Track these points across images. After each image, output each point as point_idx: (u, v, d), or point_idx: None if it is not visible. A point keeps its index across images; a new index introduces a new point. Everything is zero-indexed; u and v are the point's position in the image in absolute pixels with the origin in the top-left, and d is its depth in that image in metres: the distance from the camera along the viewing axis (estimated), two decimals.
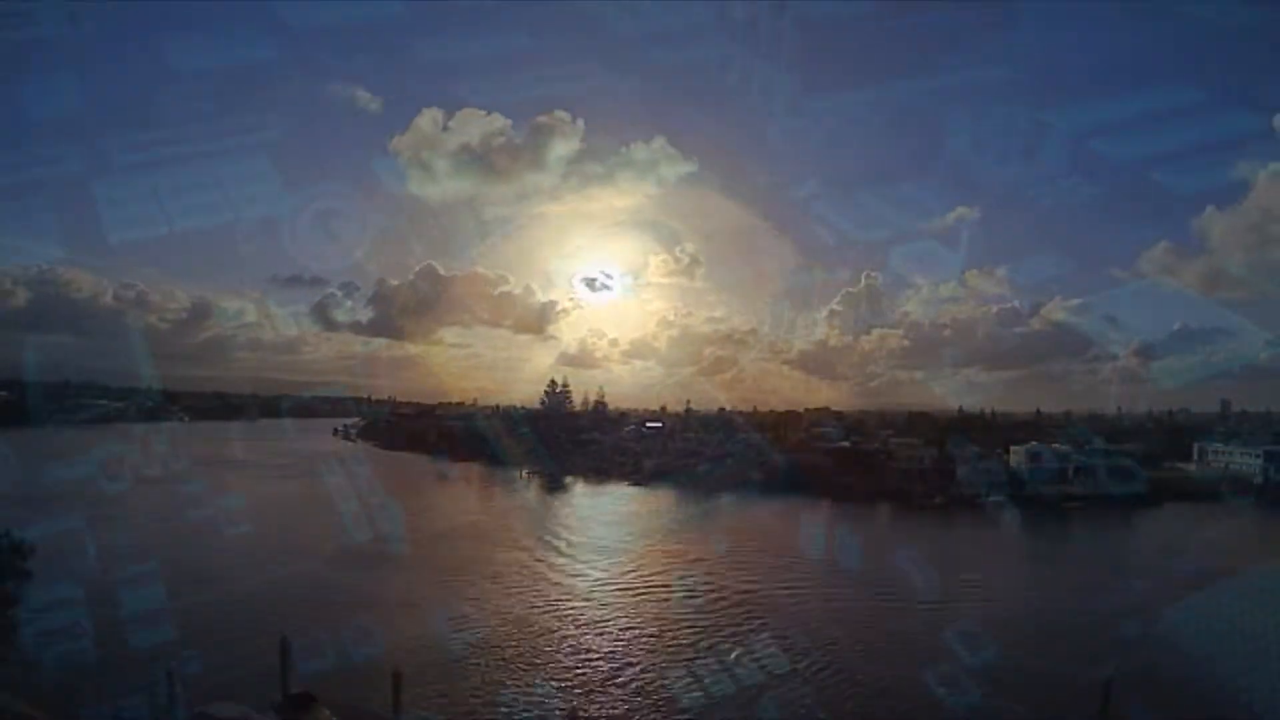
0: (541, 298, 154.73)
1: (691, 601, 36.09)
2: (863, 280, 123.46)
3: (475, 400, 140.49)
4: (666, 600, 36.85)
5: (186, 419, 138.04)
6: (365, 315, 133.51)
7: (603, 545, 51.23)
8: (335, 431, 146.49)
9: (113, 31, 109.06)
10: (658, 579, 40.83)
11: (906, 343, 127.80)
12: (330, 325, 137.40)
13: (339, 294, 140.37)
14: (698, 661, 27.45)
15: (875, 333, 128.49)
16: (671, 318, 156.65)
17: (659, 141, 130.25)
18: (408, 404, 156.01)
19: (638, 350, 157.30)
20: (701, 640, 30.28)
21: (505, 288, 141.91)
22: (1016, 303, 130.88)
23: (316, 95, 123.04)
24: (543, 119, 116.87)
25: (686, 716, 23.68)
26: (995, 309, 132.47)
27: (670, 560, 45.85)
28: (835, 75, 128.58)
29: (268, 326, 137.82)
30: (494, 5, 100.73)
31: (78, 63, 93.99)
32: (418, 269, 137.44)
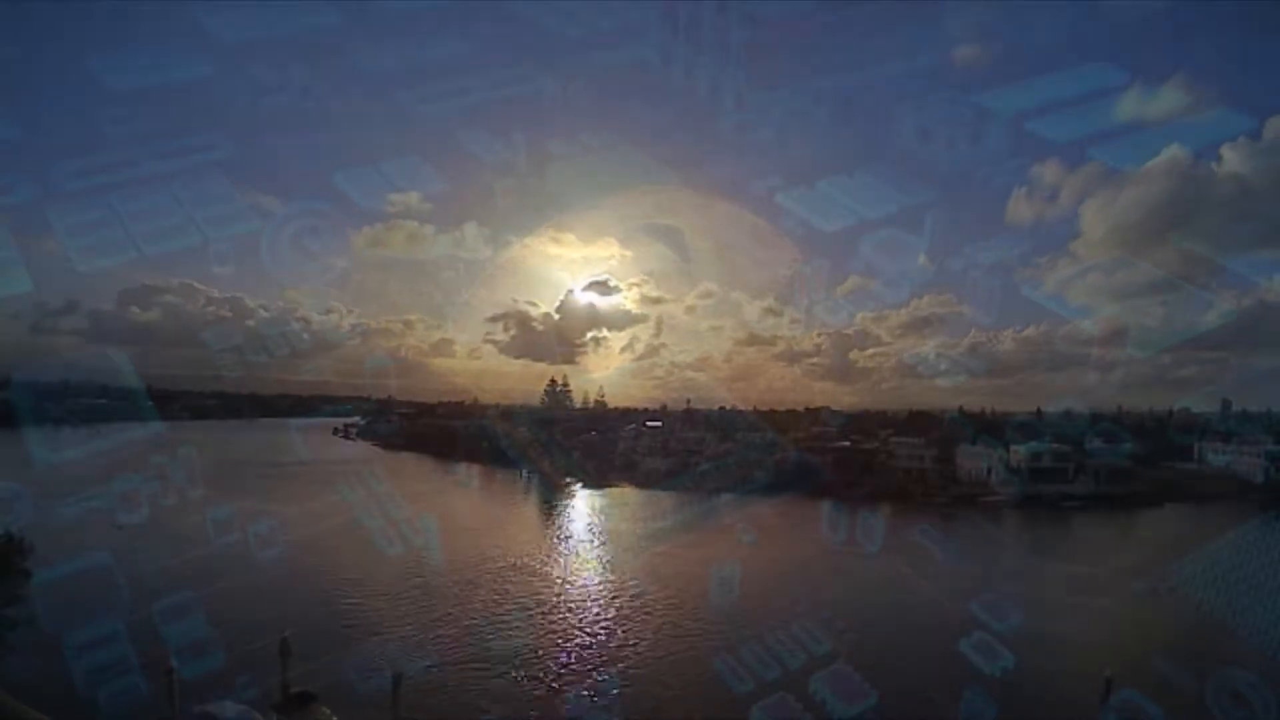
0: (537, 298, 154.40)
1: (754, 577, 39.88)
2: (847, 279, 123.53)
3: (475, 399, 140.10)
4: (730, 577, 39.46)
5: (186, 418, 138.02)
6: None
7: (640, 545, 53.33)
8: (335, 431, 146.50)
9: (37, 53, 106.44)
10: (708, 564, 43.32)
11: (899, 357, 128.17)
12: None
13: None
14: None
15: (868, 350, 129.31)
16: (669, 317, 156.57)
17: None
18: (407, 403, 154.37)
19: (637, 349, 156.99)
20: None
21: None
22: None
23: (257, 109, 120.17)
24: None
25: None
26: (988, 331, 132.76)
27: (712, 550, 48.81)
28: (780, 70, 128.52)
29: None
30: (427, 13, 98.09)
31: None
32: None
